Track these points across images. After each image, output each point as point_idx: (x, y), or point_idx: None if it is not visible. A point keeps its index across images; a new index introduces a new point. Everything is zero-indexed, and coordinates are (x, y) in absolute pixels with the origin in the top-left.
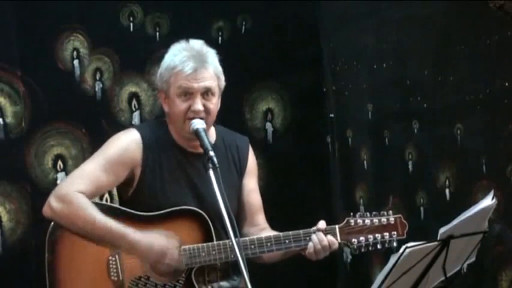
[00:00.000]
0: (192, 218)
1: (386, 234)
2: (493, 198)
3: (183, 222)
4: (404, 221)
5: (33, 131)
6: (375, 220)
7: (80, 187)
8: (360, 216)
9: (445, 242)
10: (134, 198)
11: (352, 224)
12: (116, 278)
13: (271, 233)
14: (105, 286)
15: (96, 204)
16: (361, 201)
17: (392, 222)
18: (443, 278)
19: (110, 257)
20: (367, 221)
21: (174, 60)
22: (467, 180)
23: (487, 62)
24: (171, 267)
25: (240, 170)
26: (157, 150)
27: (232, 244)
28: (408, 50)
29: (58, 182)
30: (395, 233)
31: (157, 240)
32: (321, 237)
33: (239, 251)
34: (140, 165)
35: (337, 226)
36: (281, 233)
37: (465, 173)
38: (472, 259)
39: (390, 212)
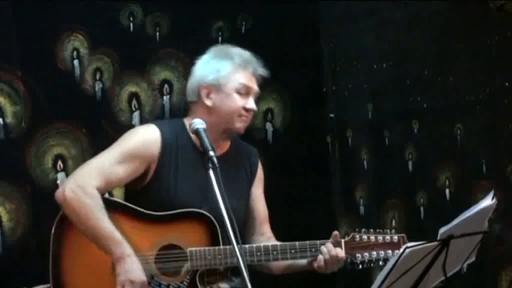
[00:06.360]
0: (200, 220)
1: (389, 251)
2: (493, 198)
3: (191, 224)
4: (407, 241)
5: (33, 131)
6: (380, 237)
7: (98, 182)
8: (365, 233)
9: (445, 242)
10: (144, 193)
11: (358, 239)
12: None
13: (276, 243)
14: (108, 282)
15: (104, 200)
16: (361, 201)
17: (396, 241)
18: (443, 278)
19: None
20: (372, 238)
21: (241, 56)
22: (467, 180)
23: (487, 62)
24: None
25: (251, 178)
26: (175, 149)
27: (233, 247)
28: (408, 50)
29: (58, 182)
30: (397, 251)
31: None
32: (330, 248)
33: (239, 251)
34: (157, 161)
35: (342, 240)
36: (287, 243)
37: (465, 173)
38: (472, 259)
39: (393, 230)
